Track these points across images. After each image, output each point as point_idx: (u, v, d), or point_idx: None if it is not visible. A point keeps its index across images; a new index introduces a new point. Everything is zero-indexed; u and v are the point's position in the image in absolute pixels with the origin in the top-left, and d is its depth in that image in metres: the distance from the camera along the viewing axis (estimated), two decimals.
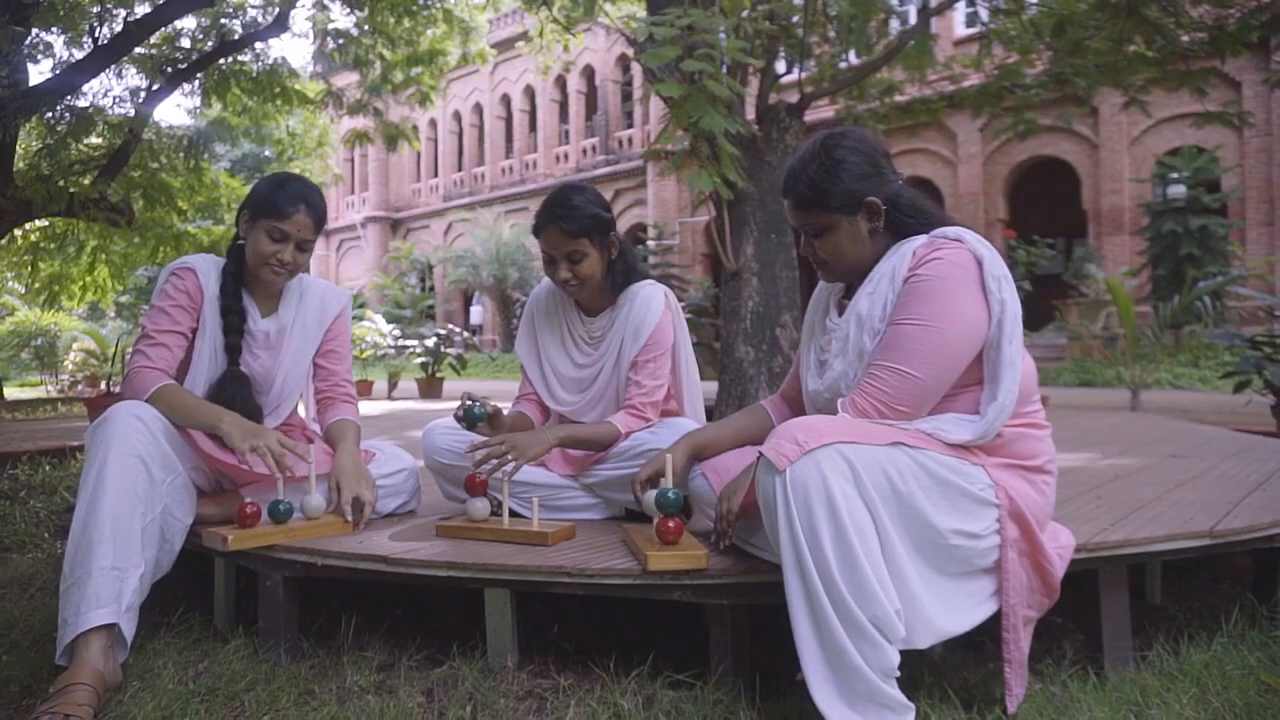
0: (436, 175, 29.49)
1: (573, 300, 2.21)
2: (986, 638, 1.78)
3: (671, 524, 1.62)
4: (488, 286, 24.30)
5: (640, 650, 1.74)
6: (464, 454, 2.06)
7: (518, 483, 2.06)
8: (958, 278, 1.46)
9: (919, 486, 1.39)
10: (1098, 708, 1.54)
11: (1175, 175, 14.00)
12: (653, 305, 2.11)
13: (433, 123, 28.23)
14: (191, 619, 2.01)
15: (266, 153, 21.85)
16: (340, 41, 10.72)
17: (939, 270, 1.46)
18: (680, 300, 11.91)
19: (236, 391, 2.08)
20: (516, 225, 24.89)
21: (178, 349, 2.05)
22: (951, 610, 1.43)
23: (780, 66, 8.23)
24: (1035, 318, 15.22)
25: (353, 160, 29.72)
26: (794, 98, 7.80)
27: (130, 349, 2.06)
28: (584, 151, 25.59)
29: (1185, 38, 8.14)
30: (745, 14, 6.87)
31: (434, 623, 2.06)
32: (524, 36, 13.38)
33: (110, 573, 1.65)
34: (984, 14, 9.54)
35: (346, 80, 12.89)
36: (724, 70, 5.91)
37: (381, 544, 1.84)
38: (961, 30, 16.92)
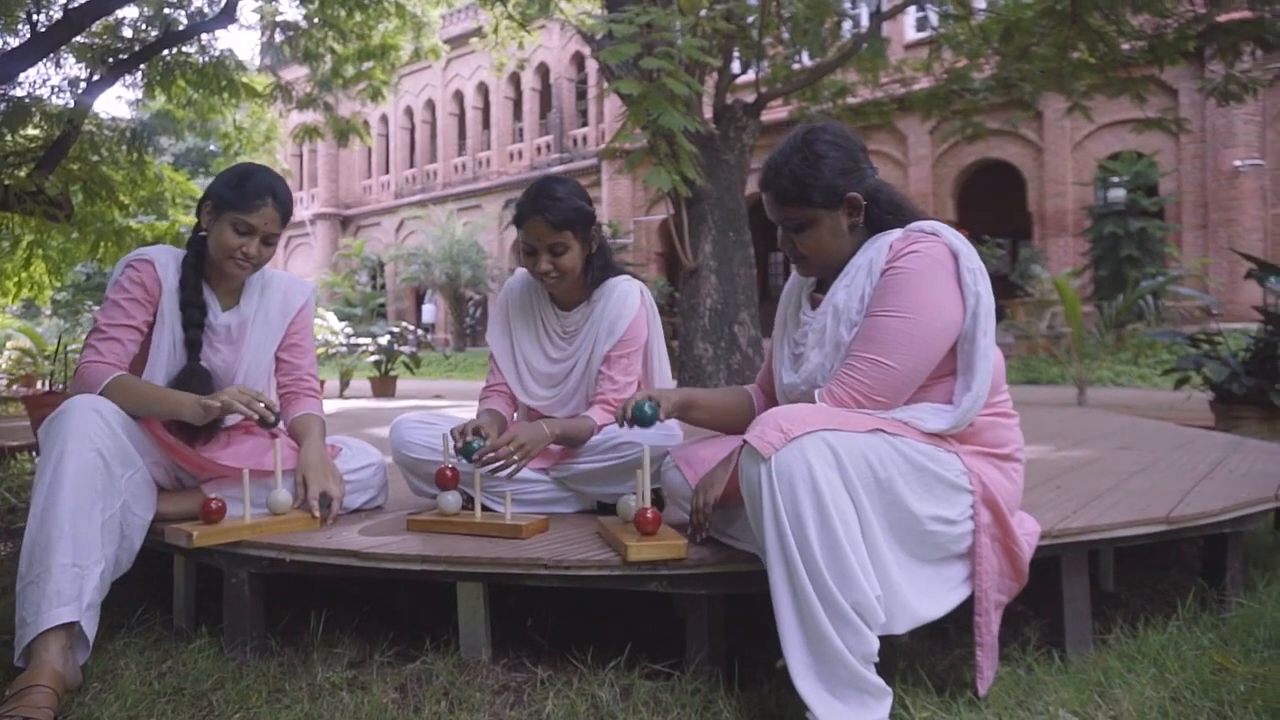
0: (388, 172, 29.08)
1: (547, 293, 2.19)
2: (950, 624, 1.82)
3: (650, 514, 1.63)
4: (440, 285, 24.04)
5: (614, 642, 1.74)
6: (435, 449, 2.04)
7: (488, 476, 2.04)
8: (934, 271, 1.49)
9: (898, 473, 1.42)
10: (1063, 689, 1.58)
11: (1115, 179, 14.45)
12: (629, 300, 2.11)
13: (384, 118, 27.84)
14: (151, 618, 1.95)
15: (212, 147, 21.30)
16: (289, 34, 10.50)
17: (916, 263, 1.49)
18: None
19: (197, 387, 2.02)
20: (470, 223, 24.68)
21: (130, 343, 1.99)
22: (927, 595, 1.46)
23: (736, 67, 8.31)
24: None
25: (301, 156, 29.13)
26: (749, 98, 7.88)
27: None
28: (538, 149, 25.46)
29: (1126, 46, 8.42)
30: (703, 13, 6.91)
31: (404, 618, 2.03)
32: (478, 33, 13.26)
33: (70, 570, 1.60)
34: (934, 18, 9.74)
35: (295, 74, 12.64)
36: (682, 69, 5.94)
37: (352, 539, 1.81)
38: (911, 34, 17.20)
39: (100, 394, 1.82)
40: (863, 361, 1.50)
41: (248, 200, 1.96)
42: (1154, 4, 7.89)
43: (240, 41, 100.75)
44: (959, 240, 1.52)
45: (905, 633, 1.44)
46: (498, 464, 1.89)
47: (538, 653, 1.79)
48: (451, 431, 1.95)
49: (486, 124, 26.98)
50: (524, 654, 1.78)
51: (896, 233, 1.55)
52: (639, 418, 1.68)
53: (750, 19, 8.03)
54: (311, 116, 12.10)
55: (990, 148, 16.06)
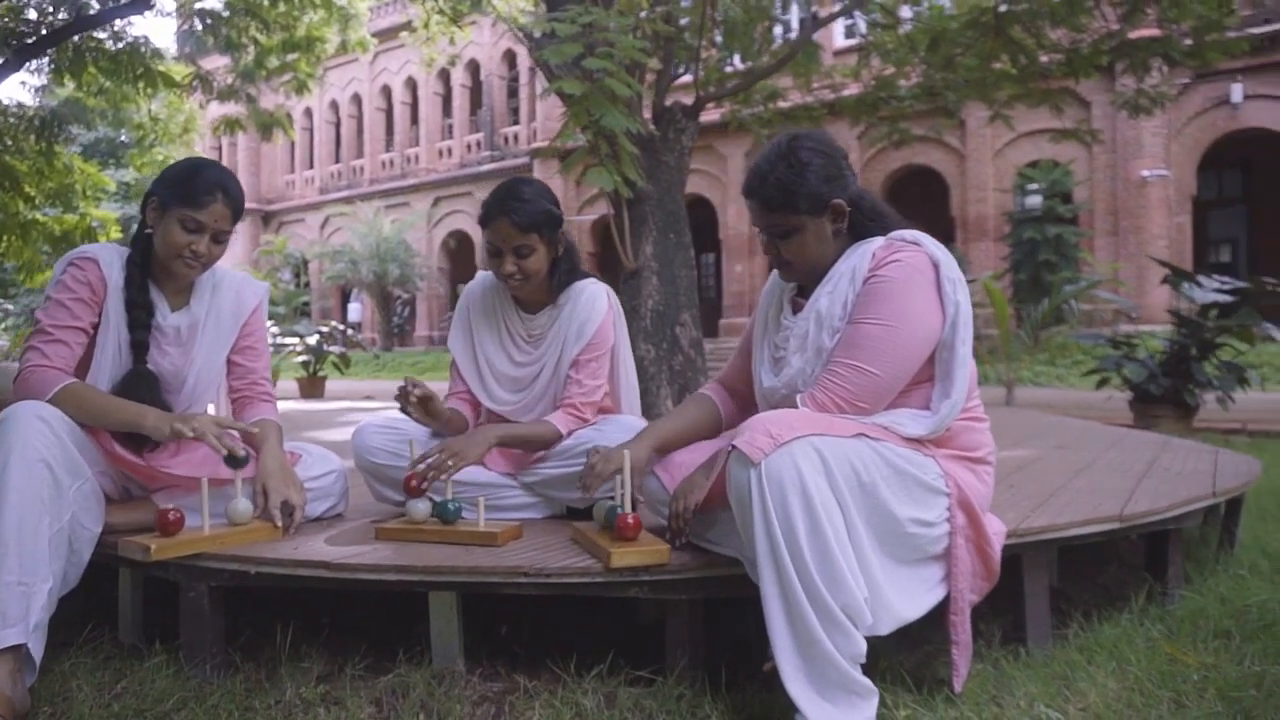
0: (312, 167, 28.31)
1: (510, 296, 2.16)
2: (917, 623, 1.87)
3: (631, 519, 1.62)
4: (367, 283, 23.53)
5: (583, 649, 1.73)
6: (400, 454, 2.00)
7: (457, 482, 2.00)
8: (916, 280, 1.52)
9: (880, 477, 1.44)
10: (1030, 683, 1.64)
11: (1033, 187, 15.03)
12: (596, 304, 2.10)
13: (308, 112, 27.10)
14: (99, 636, 1.86)
15: (124, 137, 20.38)
16: (209, 22, 10.11)
17: (898, 272, 1.52)
18: None
19: (144, 392, 1.92)
20: (398, 220, 24.21)
21: (77, 345, 1.88)
22: (908, 596, 1.49)
23: (675, 69, 8.35)
24: None
25: (220, 148, 28.12)
26: (687, 100, 7.93)
27: (23, 346, 1.88)
28: (468, 147, 25.15)
29: (1044, 58, 8.79)
30: (643, 14, 6.93)
31: (367, 630, 1.97)
32: (407, 26, 13.02)
33: (16, 589, 1.51)
34: (863, 26, 9.97)
35: (216, 64, 12.17)
36: (623, 70, 5.94)
37: (320, 549, 1.75)
38: (840, 41, 17.56)
39: (49, 402, 1.72)
40: (845, 368, 1.52)
41: (196, 196, 1.87)
42: (1071, 19, 8.26)
43: (157, 28, 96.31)
44: (939, 250, 1.55)
45: (888, 633, 1.46)
46: (432, 471, 1.87)
47: (513, 662, 1.76)
48: (401, 392, 1.94)
49: (415, 120, 26.52)
50: (499, 663, 1.75)
51: (879, 240, 1.58)
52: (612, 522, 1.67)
53: (683, 20, 8.09)
54: (233, 109, 11.70)
55: (916, 153, 16.54)
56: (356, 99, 27.31)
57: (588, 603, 1.82)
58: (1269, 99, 14.67)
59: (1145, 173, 15.11)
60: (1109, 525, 1.93)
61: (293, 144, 26.93)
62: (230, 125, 11.51)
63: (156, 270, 1.99)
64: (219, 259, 2.01)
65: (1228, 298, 5.52)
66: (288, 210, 28.37)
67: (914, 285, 1.52)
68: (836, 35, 17.74)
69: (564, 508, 2.07)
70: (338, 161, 27.88)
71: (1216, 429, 5.77)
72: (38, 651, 1.53)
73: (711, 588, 1.62)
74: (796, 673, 1.35)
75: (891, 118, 10.30)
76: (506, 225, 1.97)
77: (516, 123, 24.45)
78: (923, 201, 18.06)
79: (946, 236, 17.52)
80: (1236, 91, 14.63)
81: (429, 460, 1.87)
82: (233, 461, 1.78)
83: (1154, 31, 9.05)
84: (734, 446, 1.40)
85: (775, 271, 1.82)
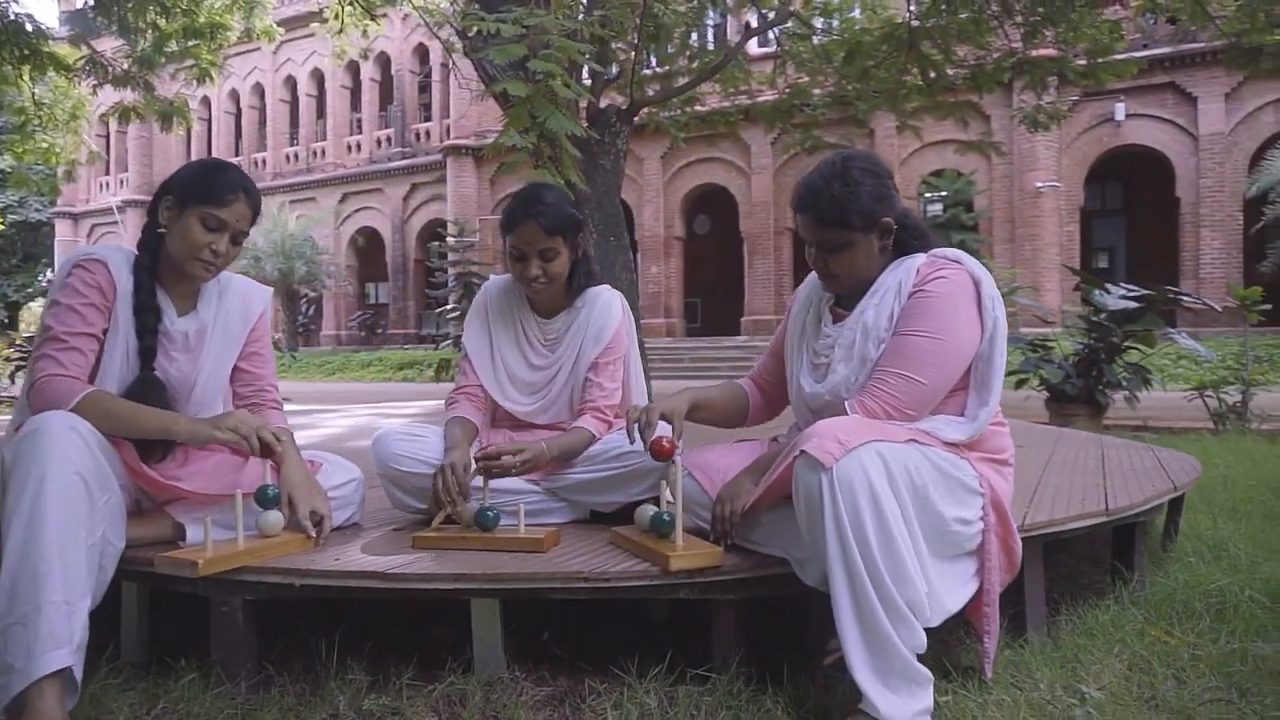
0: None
1: (526, 300, 2.18)
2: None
3: (666, 443, 1.72)
4: (272, 280, 22.63)
5: (607, 652, 1.78)
6: (424, 461, 2.00)
7: (478, 489, 1.99)
8: (959, 296, 1.63)
9: (930, 479, 1.54)
10: (1044, 666, 1.77)
11: (936, 195, 15.74)
12: (613, 309, 2.14)
13: (206, 101, 25.89)
14: (99, 655, 1.77)
15: (0, 121, 19.02)
16: (101, 3, 9.54)
17: (943, 288, 1.63)
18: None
19: (152, 399, 1.86)
20: (304, 216, 23.44)
21: (91, 353, 1.81)
22: (950, 590, 1.60)
23: (611, 70, 8.40)
24: None
25: (108, 136, 26.55)
26: (617, 102, 8.00)
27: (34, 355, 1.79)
28: (378, 142, 24.54)
29: (951, 72, 9.29)
30: (580, 17, 6.96)
31: (380, 640, 1.95)
32: (316, 17, 12.61)
33: (62, 608, 1.46)
34: (773, 35, 10.24)
35: (107, 46, 11.48)
36: (565, 72, 5.96)
37: (362, 559, 1.74)
38: (754, 49, 17.93)
39: (72, 411, 1.65)
40: (894, 376, 1.62)
41: (219, 194, 1.82)
42: (977, 36, 8.76)
43: (41, 6, 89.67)
44: (979, 268, 1.67)
45: (939, 624, 1.56)
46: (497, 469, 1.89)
47: (557, 667, 1.78)
48: (438, 476, 1.91)
49: (321, 113, 25.70)
50: (544, 668, 1.77)
51: (921, 257, 1.69)
52: (659, 527, 1.73)
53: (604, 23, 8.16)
54: (129, 95, 11.10)
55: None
56: (259, 89, 26.29)
57: (594, 606, 1.86)
58: (1148, 118, 15.82)
59: (1039, 184, 16.04)
60: (1098, 519, 2.09)
61: (188, 134, 25.66)
62: (125, 113, 10.91)
63: (163, 273, 1.93)
64: (233, 262, 1.97)
65: (1133, 304, 5.95)
66: None
67: (957, 301, 1.63)
68: (751, 43, 18.11)
69: (587, 512, 2.10)
70: (238, 154, 26.73)
71: (1125, 425, 6.20)
72: (79, 673, 1.47)
73: (757, 587, 1.69)
74: (864, 665, 1.43)
75: (805, 125, 10.65)
76: (534, 228, 1.99)
77: (429, 119, 24.01)
78: None
79: None
80: (1119, 110, 15.72)
81: (501, 458, 1.89)
82: (264, 500, 1.77)
83: (1052, 52, 9.66)
84: (803, 451, 1.47)
85: (809, 280, 1.91)
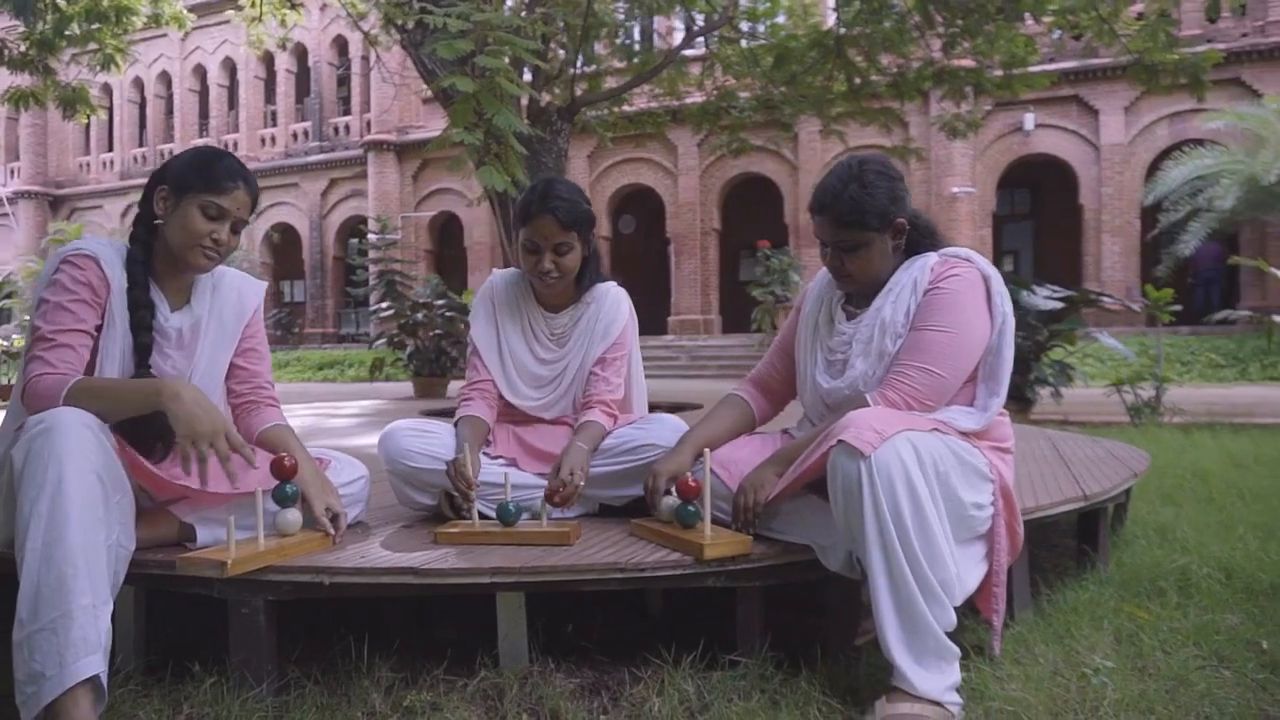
0: (111, 149, 25.76)
1: (533, 295, 2.19)
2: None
3: (692, 482, 1.74)
4: None
5: (615, 645, 1.81)
6: (435, 456, 1.99)
7: (493, 485, 2.00)
8: (971, 292, 1.72)
9: (951, 467, 1.62)
10: (1041, 643, 1.88)
11: None
12: (621, 306, 2.17)
13: (107, 88, 24.57)
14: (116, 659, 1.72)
15: None
16: None
17: (957, 285, 1.71)
18: (405, 297, 11.57)
19: None
20: None
21: (84, 350, 1.73)
22: (967, 572, 1.68)
23: (554, 68, 8.38)
24: (743, 319, 16.95)
25: None
26: (557, 102, 8.00)
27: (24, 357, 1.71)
28: (294, 135, 23.78)
29: (875, 79, 9.63)
30: (524, 15, 6.93)
31: (389, 640, 1.93)
32: (231, 3, 12.17)
33: (90, 611, 1.41)
34: (702, 38, 10.40)
35: (0, 25, 10.82)
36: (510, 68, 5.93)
37: (391, 556, 1.72)
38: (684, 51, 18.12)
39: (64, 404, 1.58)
40: (913, 369, 1.69)
41: (220, 181, 1.78)
42: (899, 45, 9.13)
43: None
44: (989, 266, 1.77)
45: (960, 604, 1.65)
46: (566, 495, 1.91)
47: (581, 657, 1.80)
48: (450, 472, 1.91)
49: (233, 104, 24.76)
50: (570, 660, 1.79)
51: (933, 256, 1.77)
52: (684, 519, 1.77)
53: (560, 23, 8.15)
54: (25, 80, 10.49)
55: (752, 163, 17.35)
56: (165, 77, 25.15)
57: (596, 600, 1.89)
58: (1054, 129, 16.65)
59: (956, 189, 16.68)
60: (1077, 505, 2.23)
61: (88, 123, 24.36)
62: (24, 98, 10.30)
63: (157, 267, 1.87)
64: (233, 252, 1.92)
65: (1059, 304, 6.27)
66: (82, 195, 25.68)
67: (970, 297, 1.72)
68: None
69: (597, 506, 2.12)
70: (142, 144, 25.54)
71: (1050, 420, 6.53)
72: (106, 678, 1.42)
73: (783, 574, 1.75)
74: (899, 643, 1.50)
75: (731, 127, 10.86)
76: (550, 222, 2.00)
77: (348, 113, 23.39)
78: (758, 208, 18.99)
79: (781, 242, 18.51)
80: (1029, 120, 16.49)
81: (565, 489, 1.90)
82: (282, 498, 1.74)
83: (969, 63, 10.09)
84: (840, 441, 1.53)
85: (817, 279, 1.98)
